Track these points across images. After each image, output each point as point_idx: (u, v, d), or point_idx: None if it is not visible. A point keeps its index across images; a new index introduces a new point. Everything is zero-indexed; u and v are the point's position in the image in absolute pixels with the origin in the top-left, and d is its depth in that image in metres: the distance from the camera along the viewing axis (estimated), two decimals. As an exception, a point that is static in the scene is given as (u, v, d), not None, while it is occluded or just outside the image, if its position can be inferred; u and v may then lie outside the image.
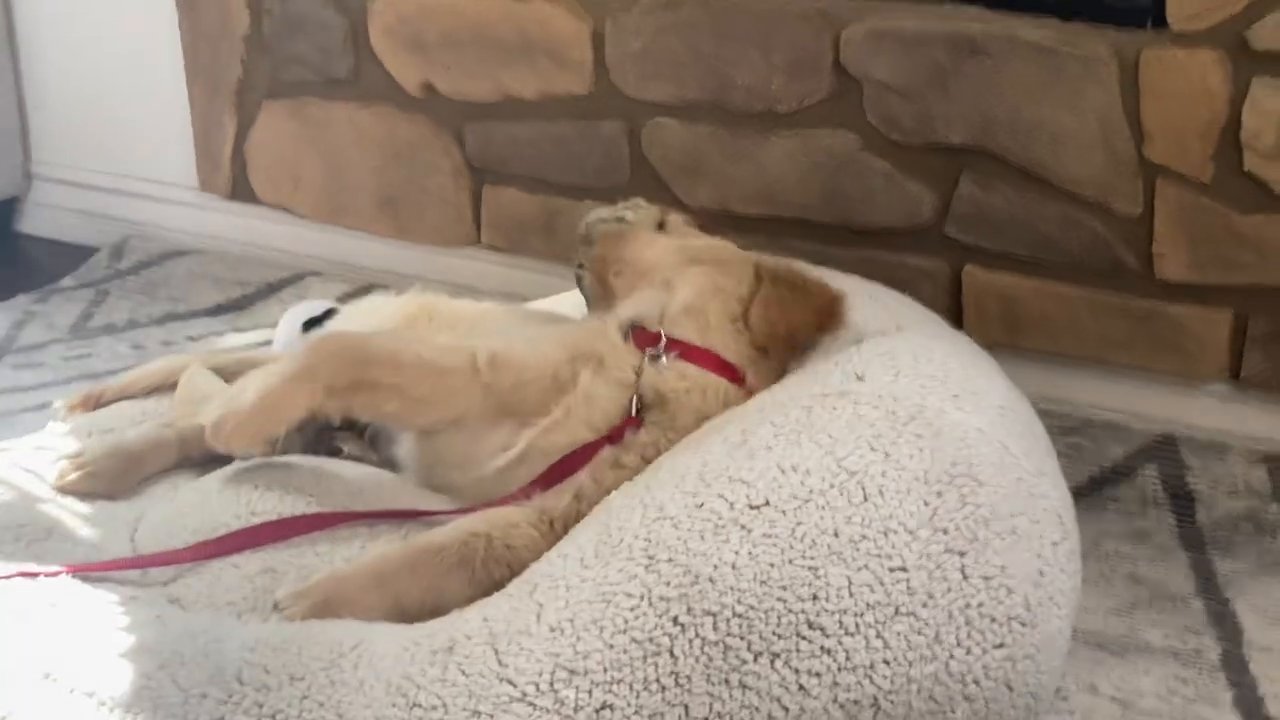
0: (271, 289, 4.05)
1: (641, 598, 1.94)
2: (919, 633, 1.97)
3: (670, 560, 1.97)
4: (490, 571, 2.21)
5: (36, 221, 4.54)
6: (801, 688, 1.92)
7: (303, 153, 4.03)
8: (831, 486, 2.04)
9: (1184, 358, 3.11)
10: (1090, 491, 2.97)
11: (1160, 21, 2.94)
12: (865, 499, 2.04)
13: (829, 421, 2.16)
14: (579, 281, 2.71)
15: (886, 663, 1.95)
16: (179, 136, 4.23)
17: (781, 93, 3.32)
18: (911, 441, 2.12)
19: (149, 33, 4.18)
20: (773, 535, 1.98)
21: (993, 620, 2.02)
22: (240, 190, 4.19)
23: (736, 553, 1.97)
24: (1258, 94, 2.87)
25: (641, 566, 1.98)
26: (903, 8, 3.20)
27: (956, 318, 3.30)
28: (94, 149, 4.41)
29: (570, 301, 3.01)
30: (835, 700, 1.93)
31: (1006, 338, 3.26)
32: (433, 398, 2.36)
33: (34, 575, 2.21)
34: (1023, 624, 2.05)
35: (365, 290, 3.96)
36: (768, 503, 2.02)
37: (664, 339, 2.41)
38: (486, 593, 2.19)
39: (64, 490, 2.51)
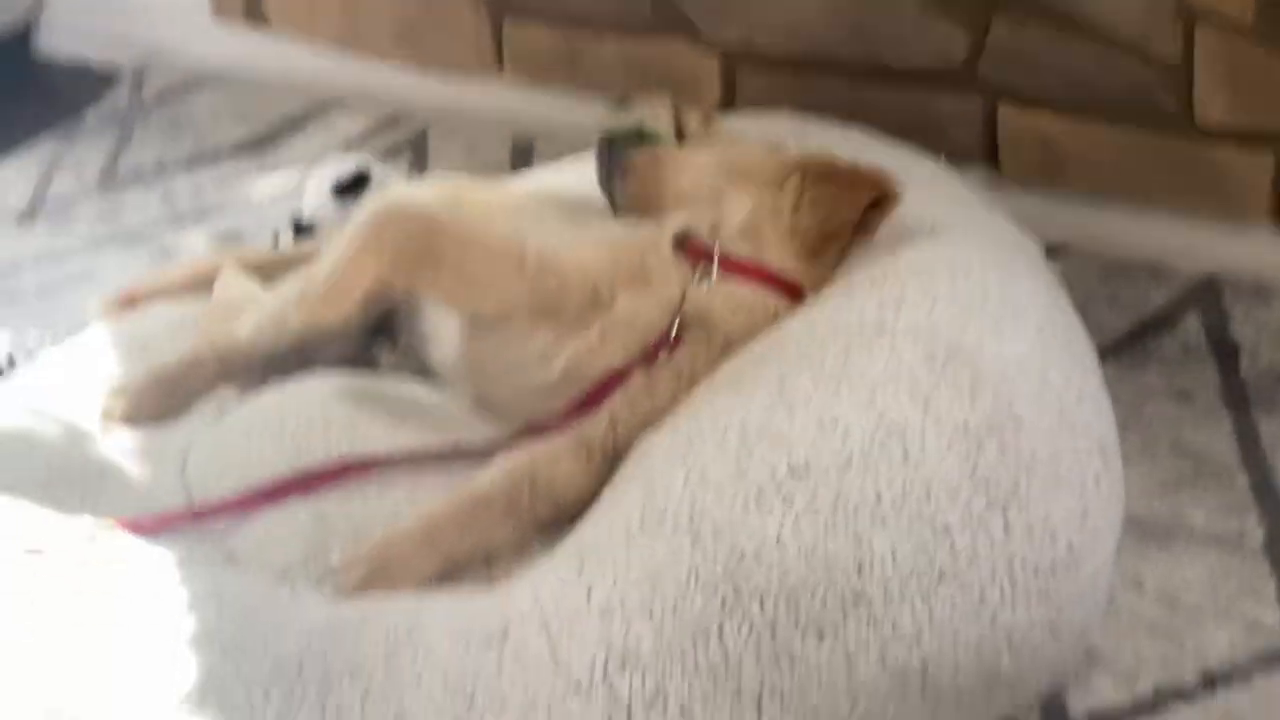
0: (295, 123, 4.01)
1: (689, 578, 1.96)
2: (964, 594, 1.99)
3: (716, 535, 1.98)
4: (537, 512, 2.25)
5: (53, 44, 4.46)
6: (849, 661, 1.95)
7: (316, -21, 3.94)
8: (872, 445, 2.04)
9: (1226, 201, 3.06)
10: (1131, 344, 2.95)
11: None
12: (906, 458, 2.04)
13: (867, 366, 2.14)
14: (604, 185, 2.62)
15: (933, 628, 1.97)
16: (189, -41, 4.14)
17: (805, -71, 3.22)
18: (951, 386, 2.11)
19: None
20: (815, 505, 1.99)
21: (1036, 571, 2.03)
22: (255, 16, 4.11)
23: (780, 525, 1.97)
24: (1301, -68, 2.77)
25: (687, 542, 1.99)
26: None
27: (992, 158, 3.25)
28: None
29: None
30: (884, 670, 1.96)
31: (1044, 179, 3.21)
32: (486, 282, 2.34)
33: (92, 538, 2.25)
34: (1067, 569, 2.06)
35: (391, 123, 3.93)
36: (808, 466, 2.03)
37: (717, 254, 2.36)
38: (534, 531, 2.25)
39: (110, 425, 2.53)
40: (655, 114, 2.59)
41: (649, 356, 2.32)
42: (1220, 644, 2.33)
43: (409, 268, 2.32)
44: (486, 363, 2.43)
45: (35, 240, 3.61)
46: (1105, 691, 2.26)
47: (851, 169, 2.47)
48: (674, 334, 2.32)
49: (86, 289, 3.31)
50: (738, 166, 2.48)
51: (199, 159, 3.91)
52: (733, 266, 2.36)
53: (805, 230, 2.40)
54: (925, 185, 2.66)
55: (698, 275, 2.35)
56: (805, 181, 2.42)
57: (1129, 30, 2.98)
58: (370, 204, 2.53)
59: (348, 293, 2.35)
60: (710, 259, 2.36)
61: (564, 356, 2.33)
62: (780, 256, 2.39)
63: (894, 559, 1.97)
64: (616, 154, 2.55)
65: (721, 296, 2.34)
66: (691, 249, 2.38)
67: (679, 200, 2.45)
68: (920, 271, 2.33)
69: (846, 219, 2.41)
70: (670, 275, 2.35)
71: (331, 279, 2.35)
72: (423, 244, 2.31)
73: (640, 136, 2.55)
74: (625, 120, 2.59)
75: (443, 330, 2.53)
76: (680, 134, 2.59)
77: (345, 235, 2.40)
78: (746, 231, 2.39)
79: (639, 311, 2.33)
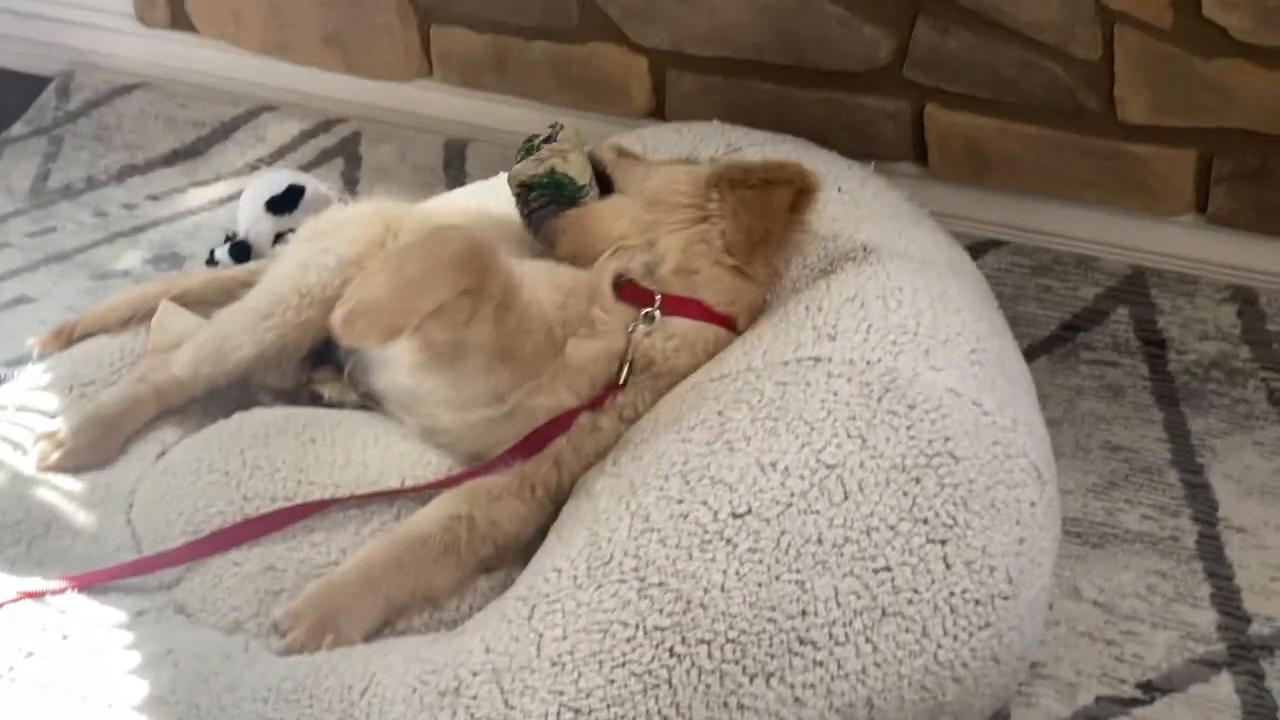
0: (227, 129, 3.98)
1: (637, 628, 2.00)
2: (906, 630, 2.04)
3: (661, 584, 2.03)
4: (476, 551, 2.29)
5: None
6: (797, 700, 2.00)
7: (238, -12, 3.92)
8: (812, 487, 2.08)
9: (1150, 196, 3.10)
10: (1063, 339, 3.00)
11: None
12: (845, 497, 2.08)
13: (804, 404, 2.18)
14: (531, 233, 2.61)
15: (877, 665, 2.03)
16: (110, -34, 4.11)
17: (724, -63, 3.23)
18: (887, 422, 2.15)
19: None
20: (758, 549, 2.03)
21: (977, 603, 2.09)
22: (181, 23, 4.08)
23: (724, 572, 2.02)
24: (1214, -59, 2.80)
25: (634, 591, 2.03)
26: None
27: (921, 157, 3.28)
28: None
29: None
30: (831, 707, 2.01)
31: (973, 176, 3.24)
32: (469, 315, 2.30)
33: (40, 595, 2.27)
34: (1006, 598, 2.12)
35: (323, 128, 3.92)
36: (750, 511, 2.07)
37: (659, 298, 2.40)
38: (475, 572, 2.30)
39: (49, 471, 2.54)
40: (565, 158, 2.56)
41: (596, 402, 2.36)
42: (1157, 651, 2.39)
43: (466, 300, 2.24)
44: (437, 395, 2.44)
45: (-33, 263, 3.60)
46: (1048, 705, 2.32)
47: (764, 170, 2.51)
48: (621, 381, 2.37)
49: (23, 315, 3.31)
50: (662, 204, 2.50)
51: (130, 170, 3.88)
52: (674, 306, 2.40)
53: (732, 241, 2.44)
54: (856, 197, 2.70)
55: (640, 319, 2.39)
56: (724, 195, 2.46)
57: (1050, 32, 3.01)
58: (432, 229, 2.41)
59: (405, 315, 2.21)
60: (650, 301, 2.40)
61: (516, 396, 2.36)
62: (715, 288, 2.43)
63: (837, 600, 2.02)
64: (537, 208, 2.56)
65: (662, 338, 2.39)
66: (630, 292, 2.41)
67: (609, 247, 2.47)
68: (853, 298, 2.36)
69: (771, 222, 2.46)
70: (614, 323, 2.39)
71: (392, 299, 2.20)
72: (481, 282, 2.24)
73: (556, 185, 2.54)
74: (537, 166, 2.56)
75: (391, 360, 2.51)
76: (597, 170, 2.59)
77: (405, 257, 2.29)
78: (682, 269, 2.43)
79: (587, 357, 2.37)
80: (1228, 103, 2.92)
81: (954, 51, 3.11)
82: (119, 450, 2.59)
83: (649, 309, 2.39)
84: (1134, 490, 2.67)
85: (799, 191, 2.50)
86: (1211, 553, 2.54)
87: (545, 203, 2.54)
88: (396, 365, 2.48)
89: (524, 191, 2.56)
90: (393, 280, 2.22)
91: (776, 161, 2.58)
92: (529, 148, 2.60)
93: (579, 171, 2.54)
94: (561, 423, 2.34)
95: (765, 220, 2.46)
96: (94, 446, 2.56)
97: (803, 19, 3.22)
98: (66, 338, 2.89)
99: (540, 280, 2.41)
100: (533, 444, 2.34)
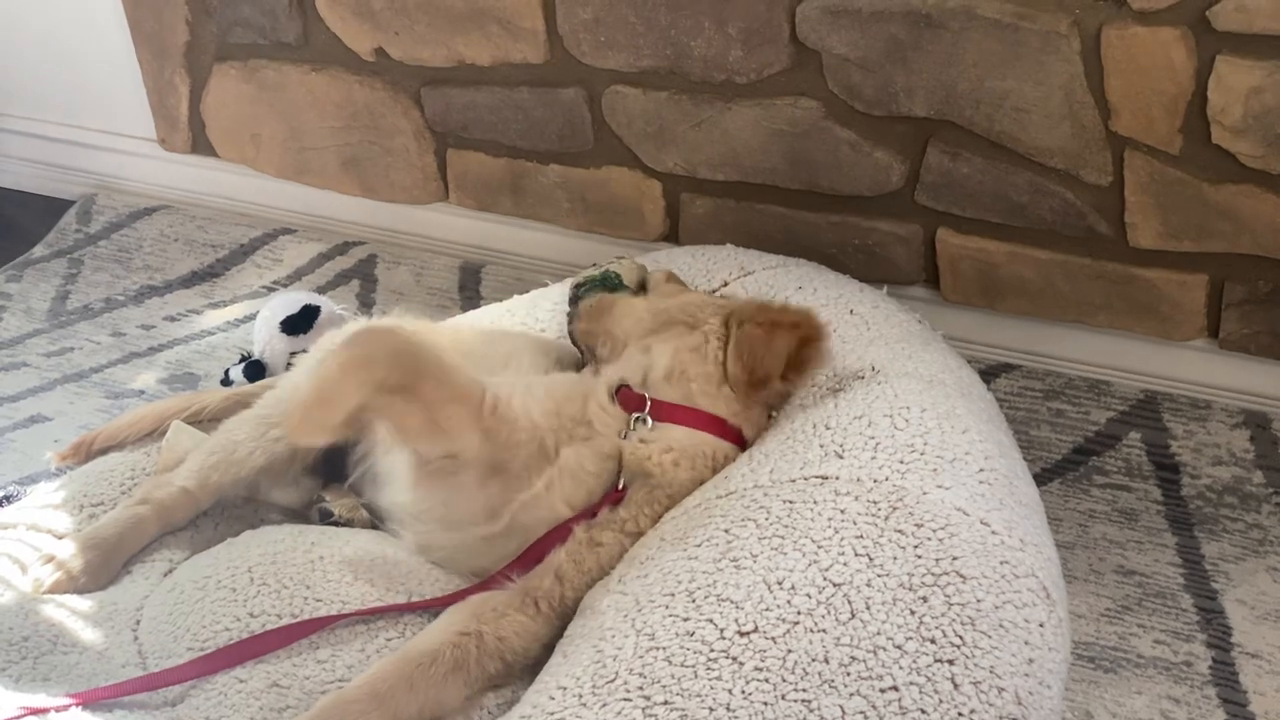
0: (245, 251, 4.03)
1: (641, 749, 1.98)
2: (915, 752, 2.01)
3: (666, 703, 1.99)
4: (485, 668, 2.25)
5: (3, 178, 4.49)
6: (804, 823, 1.96)
7: (260, 114, 3.97)
8: (818, 605, 2.06)
9: (1161, 320, 3.11)
10: (1076, 463, 3.00)
11: (1119, -4, 2.88)
12: (852, 615, 2.06)
13: (811, 522, 2.17)
14: (572, 339, 2.71)
15: (885, 787, 1.99)
16: (134, 94, 4.17)
17: (740, 64, 3.26)
18: (894, 540, 2.13)
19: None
20: (764, 668, 2.00)
21: (986, 725, 2.06)
22: (201, 148, 4.14)
23: (730, 691, 1.99)
24: (1222, 71, 2.82)
25: (639, 710, 2.00)
26: (856, -17, 3.13)
27: (933, 280, 3.29)
28: (54, 104, 4.35)
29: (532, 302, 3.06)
30: (838, 829, 1.98)
31: (984, 300, 3.25)
32: (447, 425, 2.33)
33: (44, 712, 2.24)
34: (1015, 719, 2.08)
35: (341, 249, 3.96)
36: (756, 629, 2.04)
37: (649, 402, 2.41)
38: (483, 690, 2.26)
39: (52, 593, 2.52)
40: (620, 263, 2.73)
41: (591, 510, 2.35)
42: (1171, 780, 2.37)
43: (389, 396, 2.28)
44: (435, 512, 2.44)
45: (-15, 382, 3.62)
46: (1059, 832, 2.28)
47: (774, 312, 2.52)
48: (619, 486, 2.36)
49: (38, 434, 3.32)
50: (667, 315, 2.54)
51: (148, 291, 3.92)
52: (666, 412, 2.41)
53: (733, 375, 2.44)
54: (866, 319, 2.70)
55: (632, 423, 2.39)
56: (727, 326, 2.48)
57: (1060, 157, 3.04)
58: (356, 328, 2.48)
59: (331, 412, 2.25)
60: (643, 406, 2.41)
61: (510, 509, 2.35)
62: (711, 400, 2.44)
63: (844, 720, 2.00)
64: (580, 297, 2.69)
65: (659, 446, 2.38)
66: (625, 398, 2.42)
67: (619, 344, 2.52)
68: (861, 417, 2.35)
69: (773, 363, 2.45)
70: (610, 423, 2.40)
71: (315, 398, 2.26)
72: (407, 378, 2.28)
73: (604, 282, 2.69)
74: (594, 269, 2.75)
75: (396, 474, 2.52)
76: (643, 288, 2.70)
77: (329, 356, 2.36)
78: (671, 374, 2.45)
79: (582, 463, 2.37)
80: (1238, 228, 2.93)
81: (965, 176, 3.14)
82: (120, 573, 2.58)
83: (639, 414, 2.39)
84: (1147, 615, 2.65)
85: (804, 338, 2.49)
86: (1225, 679, 2.52)
87: (588, 292, 2.69)
88: (396, 482, 2.49)
89: (575, 291, 2.72)
90: (314, 383, 2.28)
91: (791, 306, 2.58)
92: (594, 265, 2.82)
93: (629, 276, 2.72)
94: (558, 534, 2.33)
95: (767, 362, 2.45)
96: (91, 570, 2.55)
97: (814, 144, 3.25)
98: (86, 450, 2.90)
99: (533, 392, 2.43)
100: (531, 557, 2.33)
